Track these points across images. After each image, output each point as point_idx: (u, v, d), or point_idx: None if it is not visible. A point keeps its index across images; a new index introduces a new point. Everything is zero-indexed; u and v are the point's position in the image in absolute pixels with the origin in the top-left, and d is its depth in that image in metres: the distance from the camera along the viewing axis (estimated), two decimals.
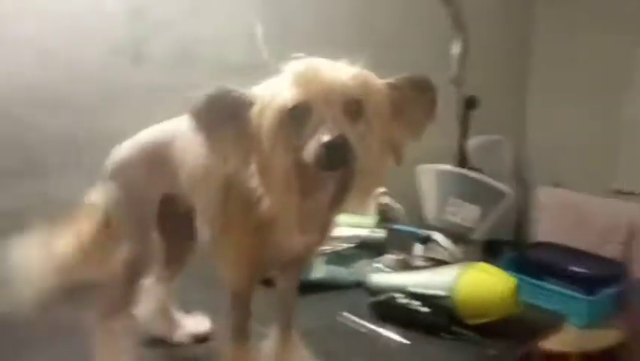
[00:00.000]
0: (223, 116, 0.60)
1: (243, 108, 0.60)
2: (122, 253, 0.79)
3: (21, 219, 0.74)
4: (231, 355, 0.73)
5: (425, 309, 0.96)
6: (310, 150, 0.55)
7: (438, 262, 1.21)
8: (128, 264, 0.79)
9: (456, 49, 1.22)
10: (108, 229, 0.80)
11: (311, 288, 1.10)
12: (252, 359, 0.75)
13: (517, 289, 0.95)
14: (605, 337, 1.78)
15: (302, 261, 0.78)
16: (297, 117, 0.57)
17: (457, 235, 1.25)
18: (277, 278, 0.79)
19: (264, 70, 0.61)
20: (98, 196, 0.81)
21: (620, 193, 2.09)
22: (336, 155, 0.55)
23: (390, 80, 0.62)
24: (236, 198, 0.67)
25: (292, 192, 0.59)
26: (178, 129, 0.76)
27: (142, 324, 0.86)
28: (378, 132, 0.59)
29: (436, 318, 0.95)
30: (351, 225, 1.20)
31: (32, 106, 1.10)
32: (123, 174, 0.79)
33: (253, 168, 0.60)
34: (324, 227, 0.69)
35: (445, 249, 1.22)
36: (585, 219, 2.05)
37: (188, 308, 0.95)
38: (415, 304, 0.97)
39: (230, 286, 0.72)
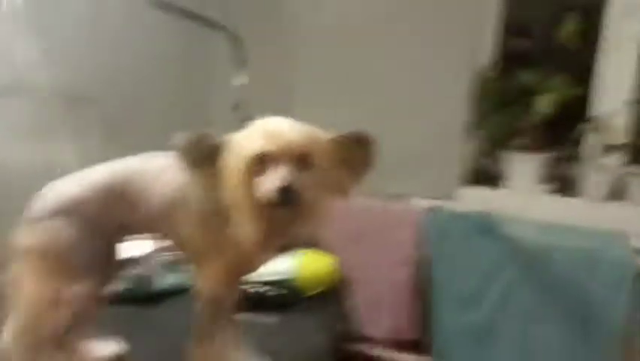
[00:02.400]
0: (202, 155, 0.78)
1: (217, 151, 0.78)
2: (80, 291, 0.83)
3: None
4: (201, 351, 0.89)
5: (277, 291, 1.23)
6: (266, 190, 0.75)
7: None
8: (86, 301, 0.84)
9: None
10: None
11: (162, 296, 1.24)
12: (217, 353, 0.91)
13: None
14: None
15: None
16: (259, 163, 0.76)
17: None
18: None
19: None
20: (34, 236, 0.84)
21: None
22: (285, 196, 0.74)
23: (334, 135, 0.80)
24: (213, 224, 0.82)
25: (255, 221, 0.77)
26: (132, 168, 0.87)
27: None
28: (321, 178, 0.78)
29: (287, 296, 1.24)
30: None
31: None
32: (77, 211, 0.84)
33: (226, 199, 0.78)
34: (278, 246, 0.89)
35: None
36: None
37: None
38: (267, 288, 1.23)
39: (207, 295, 0.88)
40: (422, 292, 2.32)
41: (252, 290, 1.22)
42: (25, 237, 0.85)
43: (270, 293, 1.23)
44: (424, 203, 2.30)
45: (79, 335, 0.87)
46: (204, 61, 2.20)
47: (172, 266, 1.29)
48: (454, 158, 2.31)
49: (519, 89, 2.36)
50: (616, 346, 1.88)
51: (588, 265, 1.69)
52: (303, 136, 0.77)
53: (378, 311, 2.32)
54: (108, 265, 0.89)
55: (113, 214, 0.86)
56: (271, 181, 0.74)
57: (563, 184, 2.24)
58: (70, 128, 1.38)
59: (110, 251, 0.90)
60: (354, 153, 0.81)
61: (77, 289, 0.84)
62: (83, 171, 0.89)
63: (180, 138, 0.78)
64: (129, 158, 0.90)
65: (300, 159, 0.76)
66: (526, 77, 2.32)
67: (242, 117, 1.54)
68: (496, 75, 2.42)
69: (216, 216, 0.81)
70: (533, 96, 2.30)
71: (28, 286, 0.83)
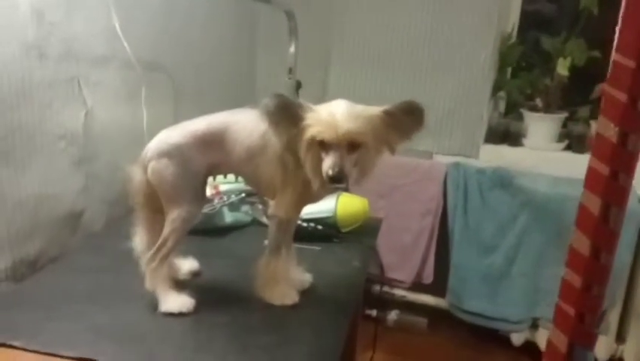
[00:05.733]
0: (285, 116, 1.00)
1: (297, 116, 1.00)
2: (180, 213, 1.07)
3: None
4: (269, 263, 1.13)
5: (320, 227, 1.49)
6: (323, 172, 0.97)
7: None
8: (184, 221, 1.08)
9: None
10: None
11: (224, 230, 1.51)
12: (282, 265, 1.15)
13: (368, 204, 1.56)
14: None
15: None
16: (321, 144, 0.98)
17: None
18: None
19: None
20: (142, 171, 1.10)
21: None
22: (336, 179, 0.96)
23: (387, 107, 0.98)
24: (290, 165, 1.05)
25: (318, 174, 1.00)
26: (224, 120, 1.10)
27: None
28: (368, 153, 0.98)
29: (328, 231, 1.49)
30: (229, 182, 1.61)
31: None
32: (179, 153, 1.07)
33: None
34: None
35: None
36: None
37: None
38: (313, 225, 1.49)
39: (280, 217, 1.11)
40: (443, 241, 2.57)
41: (302, 225, 1.46)
42: (139, 173, 1.10)
43: (314, 228, 1.48)
44: (448, 160, 2.53)
45: (173, 252, 1.12)
46: (261, 33, 2.47)
47: (231, 207, 1.55)
48: (477, 119, 2.51)
49: (539, 53, 2.53)
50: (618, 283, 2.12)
51: None
52: (357, 122, 0.96)
53: (403, 257, 2.59)
54: (200, 196, 1.13)
55: (206, 157, 1.09)
56: (327, 165, 0.96)
57: (576, 142, 2.44)
58: (147, 93, 1.61)
59: (203, 186, 1.13)
60: (405, 120, 0.99)
61: (178, 213, 1.07)
62: (185, 122, 1.12)
63: (268, 102, 0.98)
64: (221, 112, 1.12)
65: (351, 144, 0.97)
66: (547, 41, 2.48)
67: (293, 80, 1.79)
68: (518, 40, 2.60)
69: (292, 159, 1.04)
70: (552, 60, 2.48)
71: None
